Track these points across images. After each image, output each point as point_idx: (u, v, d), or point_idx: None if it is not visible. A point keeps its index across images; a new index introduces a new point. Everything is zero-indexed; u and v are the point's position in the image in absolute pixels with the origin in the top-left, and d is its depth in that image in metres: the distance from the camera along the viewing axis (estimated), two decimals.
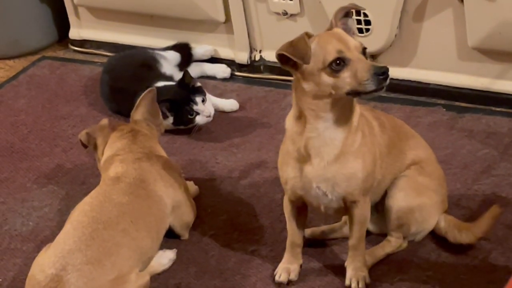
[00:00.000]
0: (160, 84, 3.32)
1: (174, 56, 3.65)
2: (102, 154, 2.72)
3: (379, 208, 2.50)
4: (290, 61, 2.12)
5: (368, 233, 2.49)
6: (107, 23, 4.06)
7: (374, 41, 3.21)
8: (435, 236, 2.55)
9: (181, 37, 3.81)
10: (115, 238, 2.40)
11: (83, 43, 4.16)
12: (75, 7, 4.10)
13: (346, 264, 2.45)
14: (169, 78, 3.44)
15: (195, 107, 3.21)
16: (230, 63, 3.75)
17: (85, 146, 2.78)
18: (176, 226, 2.66)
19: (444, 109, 3.26)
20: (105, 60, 3.81)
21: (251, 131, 3.29)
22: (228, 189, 2.95)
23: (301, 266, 2.51)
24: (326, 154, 2.22)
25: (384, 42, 3.29)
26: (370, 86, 2.08)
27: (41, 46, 4.22)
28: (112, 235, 2.40)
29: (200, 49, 3.76)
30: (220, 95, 3.53)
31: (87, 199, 2.54)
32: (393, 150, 2.42)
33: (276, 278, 2.49)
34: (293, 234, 2.47)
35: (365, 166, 2.27)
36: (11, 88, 3.84)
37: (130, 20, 3.98)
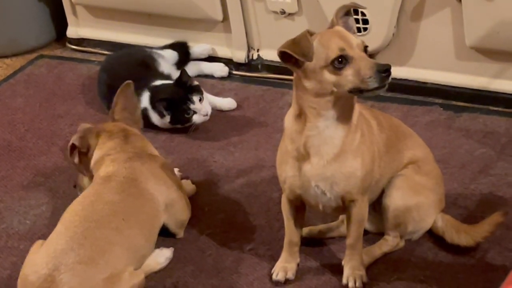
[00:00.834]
0: (158, 83, 3.32)
1: (171, 55, 3.65)
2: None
3: (376, 207, 2.50)
4: (292, 58, 2.12)
5: (366, 232, 2.48)
6: (105, 21, 4.06)
7: (372, 40, 3.20)
8: (432, 235, 2.55)
9: (178, 35, 3.81)
10: (108, 236, 2.39)
11: (80, 41, 4.16)
12: (73, 6, 4.10)
13: (343, 263, 2.45)
14: (167, 77, 3.43)
15: (192, 106, 3.21)
16: (227, 62, 3.75)
17: (72, 151, 2.71)
18: (171, 224, 2.65)
19: (442, 109, 3.26)
20: (102, 58, 3.80)
21: (248, 130, 3.29)
22: (225, 188, 2.95)
23: (298, 265, 2.50)
24: (325, 153, 2.22)
25: (382, 41, 3.29)
26: (373, 84, 2.08)
27: (38, 44, 4.21)
28: (105, 234, 2.39)
29: (197, 48, 3.76)
30: (218, 94, 3.53)
31: (78, 199, 2.54)
32: (390, 149, 2.42)
33: (273, 277, 2.49)
34: (291, 233, 2.47)
35: (364, 165, 2.27)
36: (9, 87, 3.84)
37: (128, 19, 3.98)
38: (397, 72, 3.33)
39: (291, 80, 2.24)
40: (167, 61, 3.58)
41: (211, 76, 3.71)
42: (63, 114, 3.56)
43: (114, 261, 2.36)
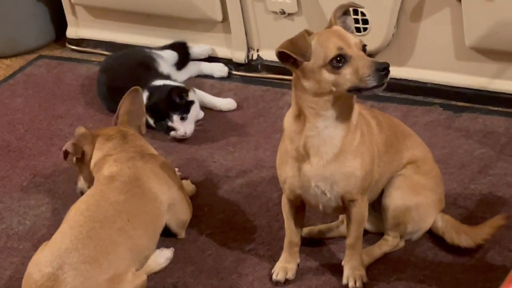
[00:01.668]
0: (158, 83, 3.32)
1: (171, 55, 3.65)
2: (90, 159, 2.70)
3: (376, 207, 2.50)
4: (291, 58, 2.12)
5: (365, 232, 2.48)
6: (104, 22, 4.06)
7: (371, 40, 3.20)
8: (432, 235, 2.55)
9: (178, 36, 3.81)
10: (112, 236, 2.39)
11: (80, 42, 4.16)
12: (73, 6, 4.10)
13: (343, 263, 2.45)
14: (166, 77, 3.43)
15: (170, 124, 3.20)
16: (227, 62, 3.75)
17: (65, 157, 2.74)
18: (173, 224, 2.66)
19: (441, 109, 3.26)
20: (102, 59, 3.81)
21: (248, 130, 3.29)
22: (225, 188, 2.95)
23: (298, 265, 2.50)
24: (325, 153, 2.22)
25: (382, 41, 3.29)
26: (372, 82, 2.08)
27: (38, 45, 4.21)
28: (109, 234, 2.39)
29: (197, 48, 3.76)
30: (218, 94, 3.53)
31: (83, 198, 2.53)
32: (390, 149, 2.42)
33: (273, 277, 2.49)
34: (291, 233, 2.47)
35: (363, 165, 2.27)
36: (8, 87, 3.84)
37: (127, 19, 3.98)
38: (397, 72, 3.33)
39: (290, 80, 2.24)
40: (166, 62, 3.57)
41: (210, 77, 3.71)
42: (63, 114, 3.56)
43: (117, 261, 2.36)
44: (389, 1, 3.18)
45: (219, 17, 3.66)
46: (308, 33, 2.13)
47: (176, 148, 3.22)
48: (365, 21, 3.25)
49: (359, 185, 2.28)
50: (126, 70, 3.48)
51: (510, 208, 2.64)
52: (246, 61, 3.72)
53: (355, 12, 3.19)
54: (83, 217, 2.41)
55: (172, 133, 3.22)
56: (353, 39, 2.14)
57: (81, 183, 2.82)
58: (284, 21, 3.52)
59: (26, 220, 2.90)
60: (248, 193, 2.89)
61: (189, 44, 3.75)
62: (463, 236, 2.48)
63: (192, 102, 3.25)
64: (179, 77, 3.57)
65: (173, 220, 2.65)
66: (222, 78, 3.70)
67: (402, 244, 2.54)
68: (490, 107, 3.22)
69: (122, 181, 2.54)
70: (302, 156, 2.25)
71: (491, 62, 3.19)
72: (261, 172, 3.00)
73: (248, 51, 3.72)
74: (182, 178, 2.93)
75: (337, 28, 2.19)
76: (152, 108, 3.18)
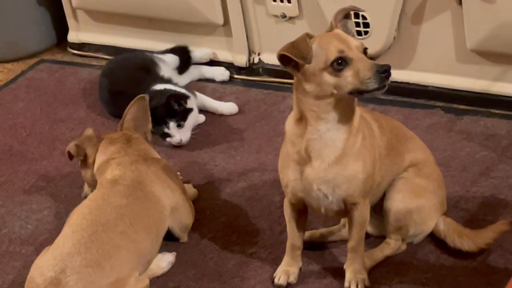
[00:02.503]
0: (159, 87, 3.32)
1: (172, 59, 3.65)
2: (93, 162, 2.71)
3: (378, 210, 2.50)
4: (292, 61, 2.13)
5: (367, 235, 2.48)
6: (106, 26, 4.06)
7: (372, 44, 3.21)
8: (433, 238, 2.55)
9: (179, 40, 3.81)
10: (114, 240, 2.39)
11: (81, 46, 4.16)
12: (74, 10, 4.10)
13: (345, 266, 2.45)
14: (168, 81, 3.43)
15: (165, 130, 3.20)
16: (228, 66, 3.76)
17: (71, 157, 2.75)
18: (175, 228, 2.66)
19: (443, 111, 3.26)
20: (103, 63, 3.81)
21: (249, 133, 3.29)
22: (226, 191, 2.95)
23: (300, 269, 2.50)
24: (326, 156, 2.22)
25: (383, 44, 3.29)
26: (373, 85, 2.08)
27: (39, 49, 4.22)
28: (111, 238, 2.39)
29: (198, 52, 3.76)
30: (219, 98, 3.53)
31: (85, 202, 2.53)
32: (391, 152, 2.42)
33: (275, 280, 2.49)
34: (293, 236, 2.47)
35: (365, 168, 2.27)
36: (10, 91, 3.84)
37: (129, 23, 3.98)
38: (398, 75, 3.33)
39: (292, 83, 2.24)
40: (168, 66, 3.58)
41: (212, 80, 3.71)
42: (64, 118, 3.56)
43: (120, 265, 2.36)
44: (390, 4, 3.18)
45: (220, 20, 3.67)
46: (309, 36, 2.13)
47: (178, 152, 3.22)
48: (366, 25, 3.26)
49: (361, 188, 2.28)
50: (127, 74, 3.48)
51: None
52: (248, 65, 3.72)
53: (356, 15, 3.19)
54: (86, 221, 2.41)
55: (168, 139, 3.22)
56: (354, 42, 2.15)
57: (86, 188, 2.83)
58: (285, 25, 3.53)
59: (28, 224, 2.90)
60: (250, 197, 2.90)
61: (191, 48, 3.75)
62: (465, 239, 2.48)
63: (190, 110, 3.25)
64: (180, 81, 3.57)
65: (175, 224, 2.65)
66: (223, 82, 3.70)
67: (404, 247, 2.54)
68: (492, 110, 3.22)
69: (125, 185, 2.54)
70: (304, 159, 2.25)
71: (492, 65, 3.20)
72: (262, 175, 3.00)
73: (250, 54, 3.72)
74: (184, 182, 2.93)
75: (338, 31, 2.19)
76: (150, 113, 3.18)
